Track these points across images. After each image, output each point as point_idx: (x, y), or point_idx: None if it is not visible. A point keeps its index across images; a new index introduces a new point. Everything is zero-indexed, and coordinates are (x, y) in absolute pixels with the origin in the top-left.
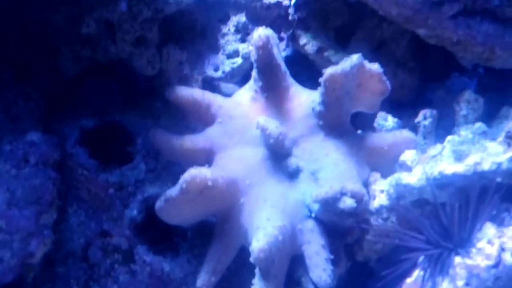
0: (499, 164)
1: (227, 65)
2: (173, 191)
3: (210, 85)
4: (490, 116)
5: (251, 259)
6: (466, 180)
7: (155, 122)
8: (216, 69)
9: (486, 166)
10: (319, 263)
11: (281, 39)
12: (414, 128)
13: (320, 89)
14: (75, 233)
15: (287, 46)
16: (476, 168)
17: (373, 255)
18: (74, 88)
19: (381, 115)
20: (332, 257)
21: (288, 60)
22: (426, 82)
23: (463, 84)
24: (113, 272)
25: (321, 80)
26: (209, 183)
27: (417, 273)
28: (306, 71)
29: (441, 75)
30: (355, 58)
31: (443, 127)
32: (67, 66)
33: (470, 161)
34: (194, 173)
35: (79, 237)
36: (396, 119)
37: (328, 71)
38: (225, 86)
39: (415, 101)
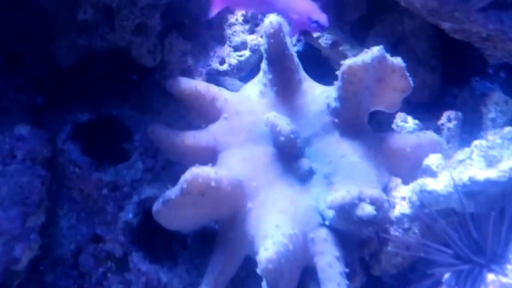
0: None
1: (234, 58)
2: (172, 192)
3: (214, 79)
4: None
5: (258, 271)
6: (499, 187)
7: (155, 118)
8: (222, 62)
9: None
10: (332, 276)
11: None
12: (437, 131)
13: (337, 83)
14: (65, 238)
15: (298, 40)
16: (511, 174)
17: (391, 269)
18: (69, 80)
19: (400, 116)
20: (347, 270)
21: (299, 56)
22: (447, 83)
23: (485, 87)
24: (105, 282)
25: (338, 72)
26: (213, 184)
27: None
28: (319, 68)
29: (462, 76)
30: (376, 50)
31: (467, 132)
32: (62, 56)
33: (505, 166)
34: (196, 172)
35: (70, 242)
36: (416, 121)
37: (347, 62)
38: (231, 83)
39: (436, 103)
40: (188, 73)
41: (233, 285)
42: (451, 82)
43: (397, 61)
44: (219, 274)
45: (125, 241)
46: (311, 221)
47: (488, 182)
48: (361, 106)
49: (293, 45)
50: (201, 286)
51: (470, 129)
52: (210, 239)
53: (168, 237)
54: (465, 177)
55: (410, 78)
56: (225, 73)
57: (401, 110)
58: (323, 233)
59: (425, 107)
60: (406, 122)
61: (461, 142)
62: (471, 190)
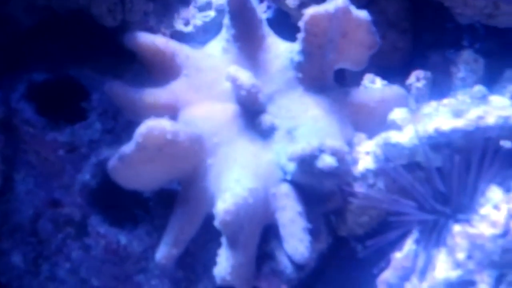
0: (507, 119)
1: (199, 19)
2: (127, 148)
3: (180, 41)
4: (491, 81)
5: (215, 223)
6: (466, 138)
7: (117, 79)
8: (187, 23)
9: (491, 120)
10: (294, 232)
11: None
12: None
13: (299, 36)
14: (22, 204)
15: (268, 7)
16: (479, 123)
17: (358, 229)
18: (28, 42)
19: (368, 77)
20: (310, 226)
21: (270, 23)
22: (420, 47)
23: (461, 48)
24: (65, 248)
25: (300, 23)
26: (169, 136)
27: (408, 246)
28: (291, 35)
29: (436, 39)
30: (340, 0)
31: (438, 94)
32: (21, 17)
33: (472, 115)
34: (152, 125)
35: (27, 208)
36: (385, 82)
37: (309, 12)
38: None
39: (407, 67)
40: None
41: (195, 248)
42: (423, 46)
43: (363, 14)
44: (179, 233)
45: (83, 203)
46: (273, 176)
47: (454, 131)
48: (325, 60)
49: (263, 12)
50: (159, 245)
51: (441, 91)
52: (172, 201)
53: (129, 200)
54: (430, 128)
55: (376, 34)
56: (190, 35)
57: (371, 73)
58: (285, 188)
59: (396, 71)
60: (374, 83)
61: None
62: (437, 142)
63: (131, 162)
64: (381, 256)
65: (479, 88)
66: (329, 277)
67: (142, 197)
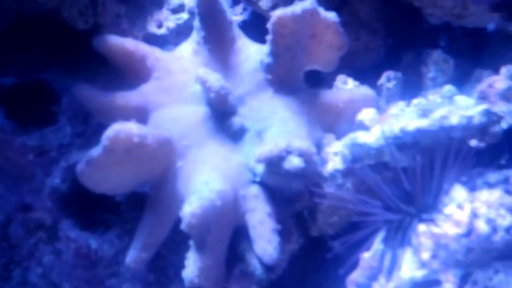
0: (470, 118)
1: (172, 21)
2: (95, 151)
3: (153, 44)
4: (462, 81)
5: (182, 226)
6: (431, 138)
7: (91, 83)
8: (160, 25)
9: (454, 120)
10: (263, 234)
11: (237, 2)
12: (378, 94)
13: (268, 37)
14: None
15: (244, 9)
16: (443, 122)
17: (329, 229)
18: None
19: (340, 78)
20: (279, 227)
21: (245, 25)
22: (397, 47)
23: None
24: (36, 253)
25: (268, 25)
26: (136, 140)
27: (376, 246)
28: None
29: (412, 39)
30: (307, 2)
31: (410, 95)
32: None
33: (437, 115)
34: (118, 129)
35: None
36: (357, 83)
37: (276, 13)
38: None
39: (381, 68)
40: (123, 37)
41: (167, 251)
42: (400, 46)
43: (331, 16)
44: (149, 237)
45: (54, 208)
46: (242, 178)
47: (419, 131)
48: (294, 62)
49: (239, 14)
50: (129, 249)
51: (414, 91)
52: (144, 204)
53: (101, 204)
54: (396, 128)
55: (345, 35)
56: (163, 37)
57: (345, 74)
58: (254, 190)
59: (370, 72)
60: (346, 84)
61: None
62: (403, 142)
63: (99, 165)
64: (353, 256)
65: (448, 88)
66: (301, 277)
67: (114, 200)
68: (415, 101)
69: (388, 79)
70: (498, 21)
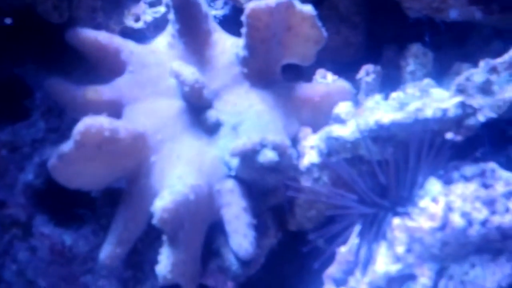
0: (445, 111)
1: (149, 15)
2: (66, 146)
3: (131, 38)
4: (442, 75)
5: (154, 221)
6: (406, 130)
7: (65, 78)
8: (137, 19)
9: (429, 112)
10: (239, 228)
11: None
12: (357, 88)
13: (243, 30)
14: None
15: (225, 4)
16: (417, 115)
17: (307, 223)
18: None
19: (320, 72)
20: (255, 222)
21: (227, 19)
22: (379, 41)
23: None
24: (11, 250)
25: (242, 17)
26: (107, 134)
27: (352, 240)
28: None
29: (396, 34)
30: None
31: (392, 88)
32: None
33: (411, 107)
34: (89, 123)
35: None
36: (336, 77)
37: (250, 6)
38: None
39: (363, 62)
40: (99, 30)
41: (143, 246)
42: (383, 40)
43: (307, 9)
44: (123, 231)
45: (28, 204)
46: (217, 172)
47: (394, 124)
48: (270, 55)
49: (220, 8)
50: (103, 245)
51: (394, 85)
52: (120, 200)
53: (76, 200)
54: (371, 121)
55: (323, 28)
56: (140, 31)
57: (326, 68)
58: (230, 184)
59: (351, 66)
60: (325, 78)
61: (383, 97)
62: (378, 135)
63: (70, 160)
64: (328, 251)
65: (427, 82)
66: (280, 272)
67: (90, 196)
68: (393, 94)
69: (367, 73)
70: (477, 14)
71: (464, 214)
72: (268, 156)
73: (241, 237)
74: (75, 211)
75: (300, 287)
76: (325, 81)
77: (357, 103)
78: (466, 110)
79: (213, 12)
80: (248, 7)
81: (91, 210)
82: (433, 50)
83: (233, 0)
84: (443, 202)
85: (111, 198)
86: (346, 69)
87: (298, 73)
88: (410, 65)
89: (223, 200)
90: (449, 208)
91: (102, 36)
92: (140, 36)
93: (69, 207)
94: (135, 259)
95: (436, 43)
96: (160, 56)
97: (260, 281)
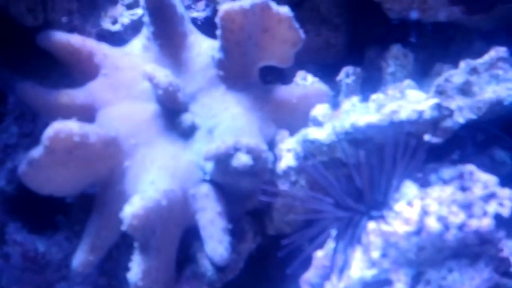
0: (421, 113)
1: (127, 17)
2: (36, 152)
3: (108, 41)
4: (424, 76)
5: (123, 227)
6: (382, 133)
7: (40, 82)
8: (114, 22)
9: (404, 114)
10: (214, 233)
11: None
12: (338, 90)
13: (218, 32)
14: None
15: (207, 6)
16: (393, 117)
17: (286, 227)
18: None
19: (300, 74)
20: (230, 226)
21: (208, 21)
22: (359, 43)
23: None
24: None
25: (216, 19)
26: (77, 139)
27: (329, 244)
28: None
29: (381, 35)
30: None
31: (373, 91)
32: None
33: (387, 109)
34: (58, 128)
35: None
36: (316, 79)
37: (223, 7)
38: None
39: (345, 63)
40: (76, 33)
41: (118, 253)
42: (362, 41)
43: (283, 10)
44: (96, 239)
45: (0, 211)
46: (192, 177)
47: (370, 127)
48: (246, 57)
49: (202, 10)
50: (76, 252)
51: (376, 87)
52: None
53: (50, 206)
54: (347, 124)
55: (300, 30)
56: (118, 33)
57: (309, 70)
58: (205, 188)
59: (333, 68)
60: (305, 80)
61: (363, 99)
62: (355, 138)
63: (40, 166)
64: (302, 255)
65: (408, 83)
66: (259, 277)
67: (64, 202)
68: (373, 96)
69: (347, 75)
70: (458, 15)
71: (441, 218)
72: (242, 160)
73: (216, 242)
74: (49, 218)
75: None
76: (305, 83)
77: (337, 105)
78: (443, 112)
79: (195, 14)
80: (222, 8)
81: (66, 216)
82: (417, 51)
83: (212, 2)
84: (418, 206)
85: (86, 204)
86: (328, 71)
87: (280, 75)
88: (391, 67)
89: (198, 204)
90: (424, 212)
91: (74, 39)
92: (117, 38)
93: (43, 214)
94: (109, 266)
95: (421, 44)
96: (135, 59)
97: (239, 286)
